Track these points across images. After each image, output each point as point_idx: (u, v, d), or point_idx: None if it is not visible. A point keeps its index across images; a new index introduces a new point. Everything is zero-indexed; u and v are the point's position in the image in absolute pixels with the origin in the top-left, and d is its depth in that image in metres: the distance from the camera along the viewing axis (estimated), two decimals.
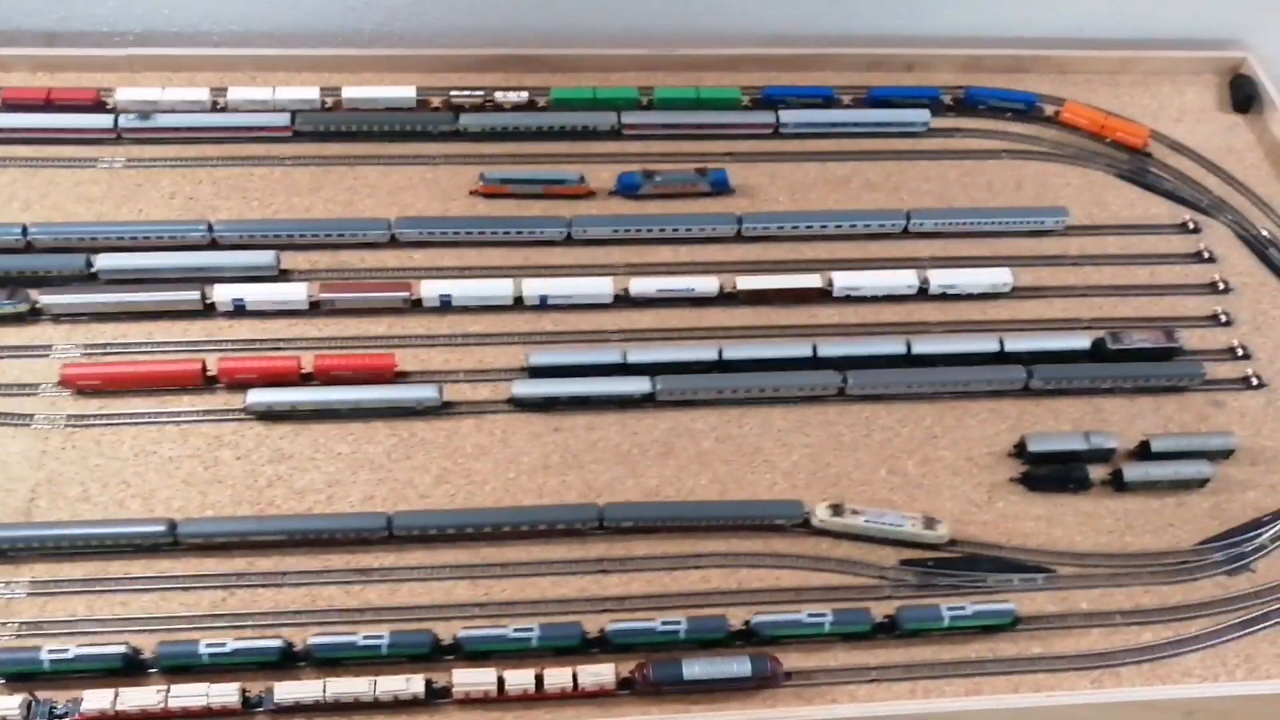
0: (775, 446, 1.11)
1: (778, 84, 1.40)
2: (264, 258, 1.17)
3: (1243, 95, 1.46)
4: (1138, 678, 0.97)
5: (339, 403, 1.08)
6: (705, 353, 1.14)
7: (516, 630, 0.94)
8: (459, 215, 1.26)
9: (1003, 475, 1.09)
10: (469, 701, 0.92)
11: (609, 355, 1.12)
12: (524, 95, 1.35)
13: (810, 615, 0.95)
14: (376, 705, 0.91)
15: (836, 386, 1.13)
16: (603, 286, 1.18)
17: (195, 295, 1.13)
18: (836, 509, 1.03)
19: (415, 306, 1.18)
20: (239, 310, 1.14)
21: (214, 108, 1.31)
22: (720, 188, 1.29)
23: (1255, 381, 1.19)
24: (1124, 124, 1.39)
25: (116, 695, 0.90)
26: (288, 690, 0.91)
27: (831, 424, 1.13)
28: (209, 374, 1.10)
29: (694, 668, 0.93)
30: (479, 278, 1.20)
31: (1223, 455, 1.12)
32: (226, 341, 1.14)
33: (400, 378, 1.12)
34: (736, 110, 1.36)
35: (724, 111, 1.36)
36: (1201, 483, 1.10)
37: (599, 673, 0.92)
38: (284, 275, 1.19)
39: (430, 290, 1.16)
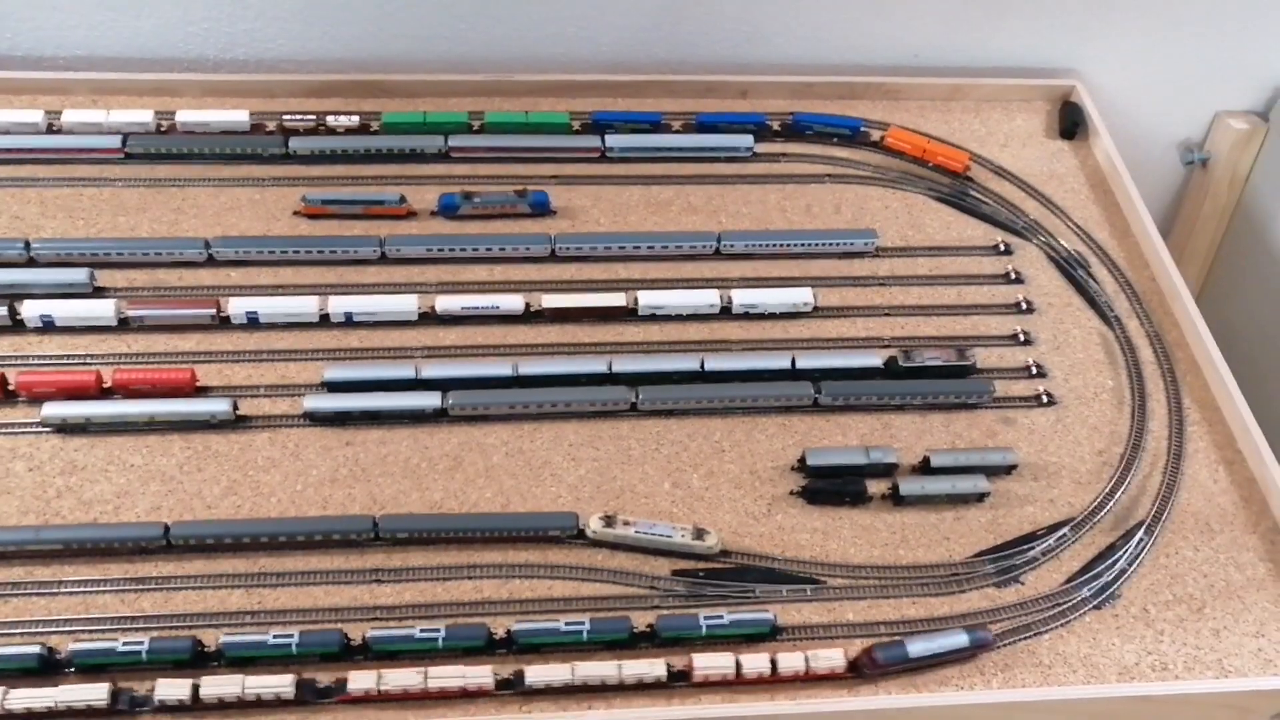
0: (564, 460, 1.18)
1: (609, 109, 1.51)
2: (77, 275, 1.25)
3: (1069, 122, 1.58)
4: (895, 687, 1.03)
5: (133, 416, 1.15)
6: (500, 368, 1.21)
7: (277, 636, 1.00)
8: (277, 235, 1.35)
9: (784, 489, 1.17)
10: (231, 706, 0.96)
11: (403, 371, 1.20)
12: (355, 119, 1.45)
13: (567, 624, 1.02)
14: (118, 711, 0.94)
15: (629, 402, 1.21)
16: (407, 304, 1.27)
17: (2, 311, 1.21)
18: (608, 520, 1.10)
19: (224, 324, 1.26)
20: (48, 326, 1.23)
21: (49, 129, 1.41)
22: (541, 209, 1.39)
23: (1046, 399, 1.27)
24: (945, 149, 1.50)
25: None
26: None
27: (623, 438, 1.21)
28: (9, 388, 1.17)
29: (917, 645, 1.02)
30: (288, 295, 1.28)
31: (1005, 471, 1.19)
32: (33, 357, 1.22)
33: (201, 392, 1.20)
34: (564, 134, 1.46)
35: (551, 135, 1.46)
36: (980, 497, 1.17)
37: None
38: (99, 293, 1.27)
39: (237, 307, 1.24)
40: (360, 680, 0.97)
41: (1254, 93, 1.67)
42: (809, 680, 1.02)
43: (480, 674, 0.99)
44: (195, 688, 0.96)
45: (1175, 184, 1.82)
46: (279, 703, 0.98)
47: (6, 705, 0.96)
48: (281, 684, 0.97)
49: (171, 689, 0.97)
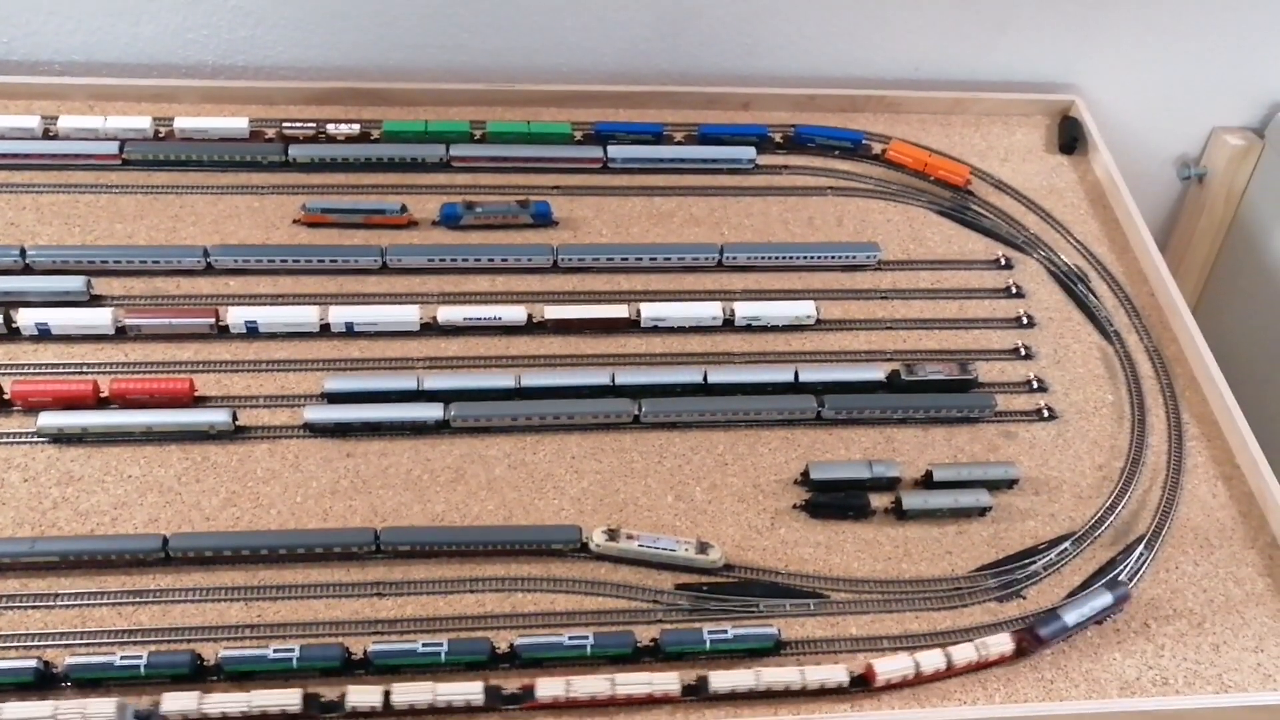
0: (566, 473, 1.19)
1: (612, 120, 1.53)
2: (74, 283, 1.25)
3: (1069, 137, 1.61)
4: (897, 701, 1.05)
5: (131, 426, 1.16)
6: (502, 380, 1.23)
7: (277, 651, 1.00)
8: (277, 243, 1.35)
9: (787, 502, 1.19)
10: None
11: (405, 382, 1.21)
12: (356, 127, 1.46)
13: (571, 638, 1.03)
14: None
15: (631, 414, 1.23)
16: (408, 314, 1.27)
17: None
18: (612, 534, 1.11)
19: (223, 333, 1.26)
20: (44, 335, 1.23)
21: (45, 135, 1.41)
22: (543, 219, 1.40)
23: (1047, 413, 1.29)
24: (946, 163, 1.53)
25: None
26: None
27: (625, 451, 1.22)
28: (4, 397, 1.17)
29: (1072, 614, 1.06)
30: (289, 305, 1.28)
31: (1006, 485, 1.22)
32: (29, 365, 1.22)
33: (199, 402, 1.21)
34: (566, 145, 1.48)
35: (554, 146, 1.48)
36: (982, 511, 1.19)
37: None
38: (96, 301, 1.28)
39: (236, 316, 1.25)
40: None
41: (1250, 109, 1.71)
42: (813, 695, 1.02)
43: (667, 680, 0.98)
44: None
45: (1172, 199, 1.86)
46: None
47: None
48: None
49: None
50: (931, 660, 1.04)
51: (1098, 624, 1.09)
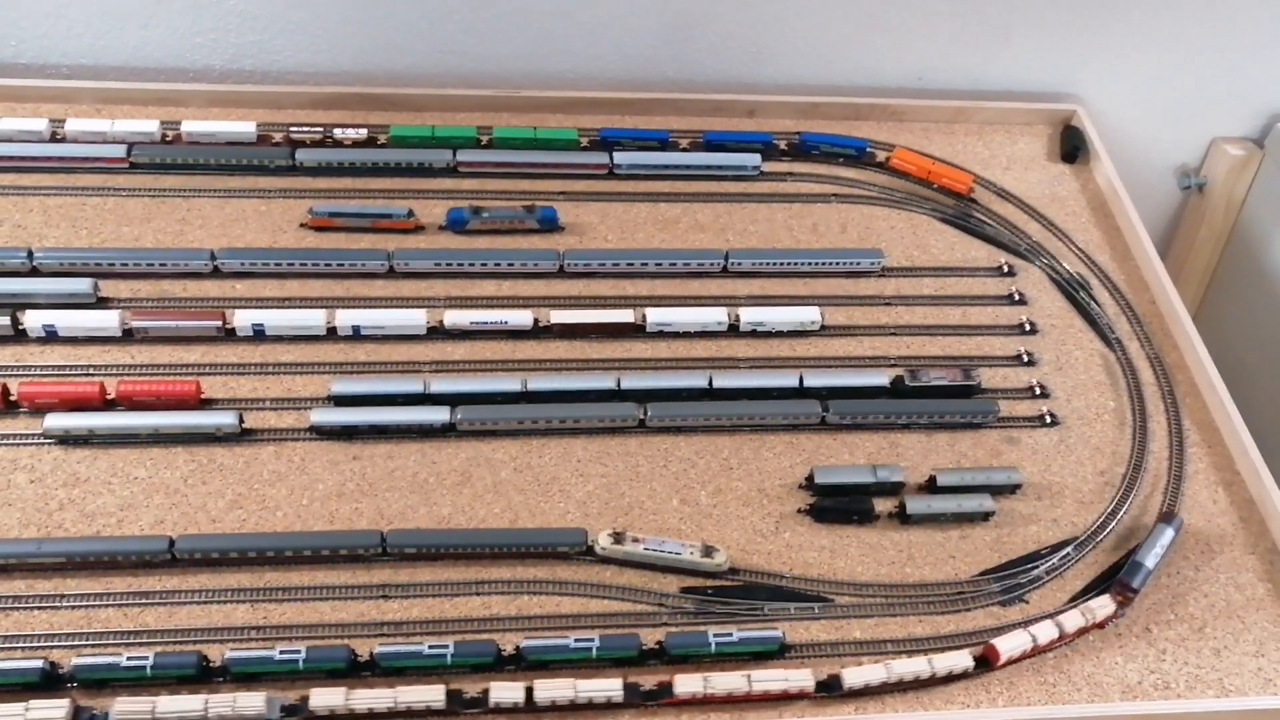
0: (572, 476, 1.21)
1: (618, 126, 1.55)
2: (81, 285, 1.27)
3: (1071, 146, 1.64)
4: (901, 705, 1.06)
5: (137, 428, 1.18)
6: (509, 384, 1.24)
7: (283, 652, 1.01)
8: (283, 247, 1.37)
9: (792, 506, 1.21)
10: None
11: (412, 385, 1.23)
12: (363, 132, 1.48)
13: (577, 640, 1.04)
14: None
15: (637, 418, 1.24)
16: (415, 318, 1.29)
17: (5, 320, 1.22)
18: (617, 537, 1.13)
19: (230, 336, 1.28)
20: (51, 336, 1.24)
21: (53, 138, 1.43)
22: (549, 225, 1.42)
23: (1049, 419, 1.31)
24: (950, 170, 1.55)
25: None
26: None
27: (631, 455, 1.24)
28: (11, 398, 1.19)
29: (1148, 556, 1.12)
30: (296, 308, 1.30)
31: (1009, 490, 1.24)
32: (35, 367, 1.24)
33: (205, 405, 1.22)
34: (572, 150, 1.50)
35: (559, 151, 1.50)
36: (985, 516, 1.21)
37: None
38: (103, 303, 1.30)
39: (243, 319, 1.27)
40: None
41: (1250, 119, 1.74)
42: (817, 699, 1.04)
43: (801, 677, 1.02)
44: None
45: (1172, 208, 1.89)
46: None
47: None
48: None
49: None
50: (1046, 632, 1.09)
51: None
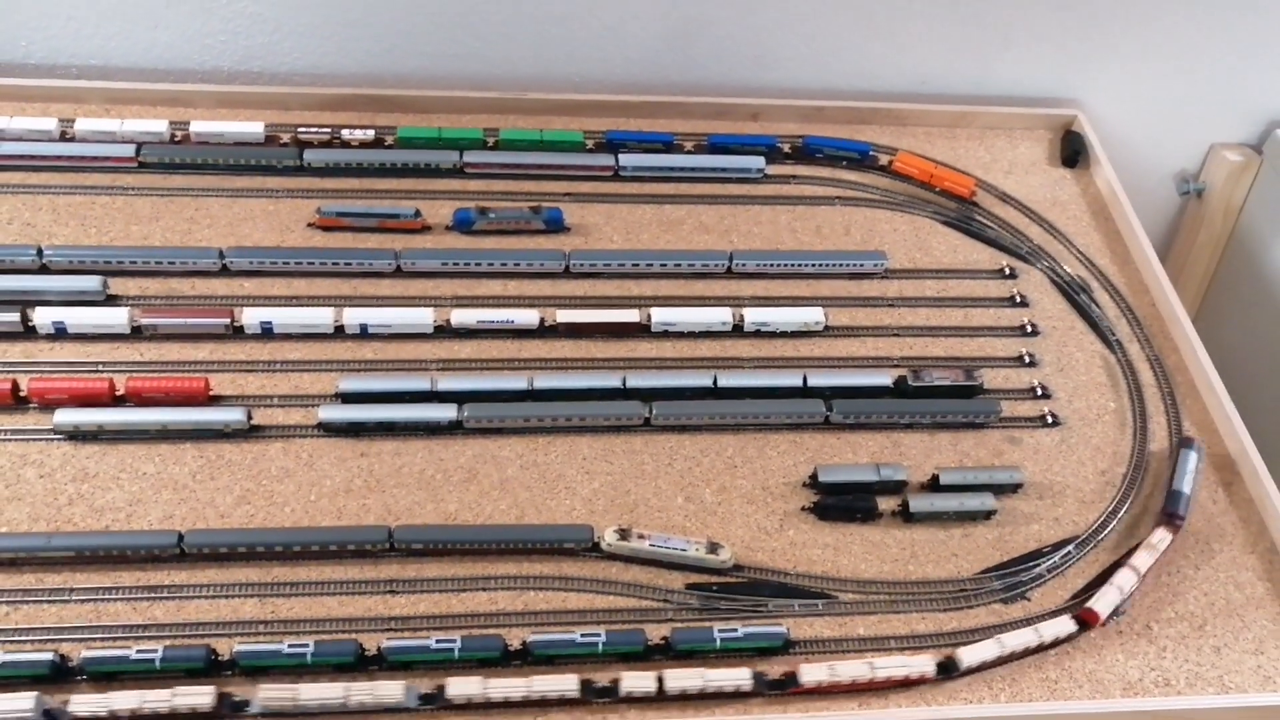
0: (578, 474, 1.23)
1: (623, 129, 1.58)
2: (90, 283, 1.29)
3: (1071, 150, 1.67)
4: (904, 700, 1.08)
5: (146, 424, 1.19)
6: (515, 382, 1.26)
7: (292, 646, 1.03)
8: (291, 246, 1.39)
9: (796, 504, 1.23)
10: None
11: (419, 383, 1.25)
12: (370, 133, 1.51)
13: (584, 635, 1.06)
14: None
15: (642, 417, 1.26)
16: (422, 317, 1.32)
17: (15, 317, 1.25)
18: (623, 533, 1.15)
19: (238, 333, 1.30)
20: (60, 333, 1.27)
21: (62, 137, 1.45)
22: (554, 225, 1.45)
23: (1051, 420, 1.34)
24: (952, 174, 1.58)
25: None
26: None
27: (636, 453, 1.26)
28: (21, 394, 1.21)
29: (1184, 483, 1.19)
30: (303, 306, 1.32)
31: (1011, 489, 1.26)
32: (45, 363, 1.26)
33: (214, 401, 1.24)
34: (578, 152, 1.53)
35: (565, 153, 1.52)
36: (987, 515, 1.23)
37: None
38: (112, 301, 1.32)
39: (252, 317, 1.29)
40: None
41: (1248, 126, 1.77)
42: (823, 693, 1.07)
43: (922, 662, 1.03)
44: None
45: (1171, 213, 1.92)
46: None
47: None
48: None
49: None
50: (1127, 580, 1.13)
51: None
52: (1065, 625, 1.12)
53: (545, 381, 1.26)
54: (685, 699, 1.04)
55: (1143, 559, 1.20)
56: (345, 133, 1.49)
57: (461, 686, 1.02)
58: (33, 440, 1.18)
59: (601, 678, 1.04)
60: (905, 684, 1.07)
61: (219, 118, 1.50)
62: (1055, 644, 1.11)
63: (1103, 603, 1.16)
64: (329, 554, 1.12)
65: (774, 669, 1.07)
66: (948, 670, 1.08)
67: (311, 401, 1.24)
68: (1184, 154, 1.81)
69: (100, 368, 1.26)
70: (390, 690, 1.00)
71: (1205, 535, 1.24)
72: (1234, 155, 1.77)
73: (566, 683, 1.02)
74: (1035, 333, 1.42)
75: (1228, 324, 1.90)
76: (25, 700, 0.97)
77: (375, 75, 1.59)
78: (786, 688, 1.06)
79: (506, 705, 1.02)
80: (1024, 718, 1.09)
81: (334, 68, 1.58)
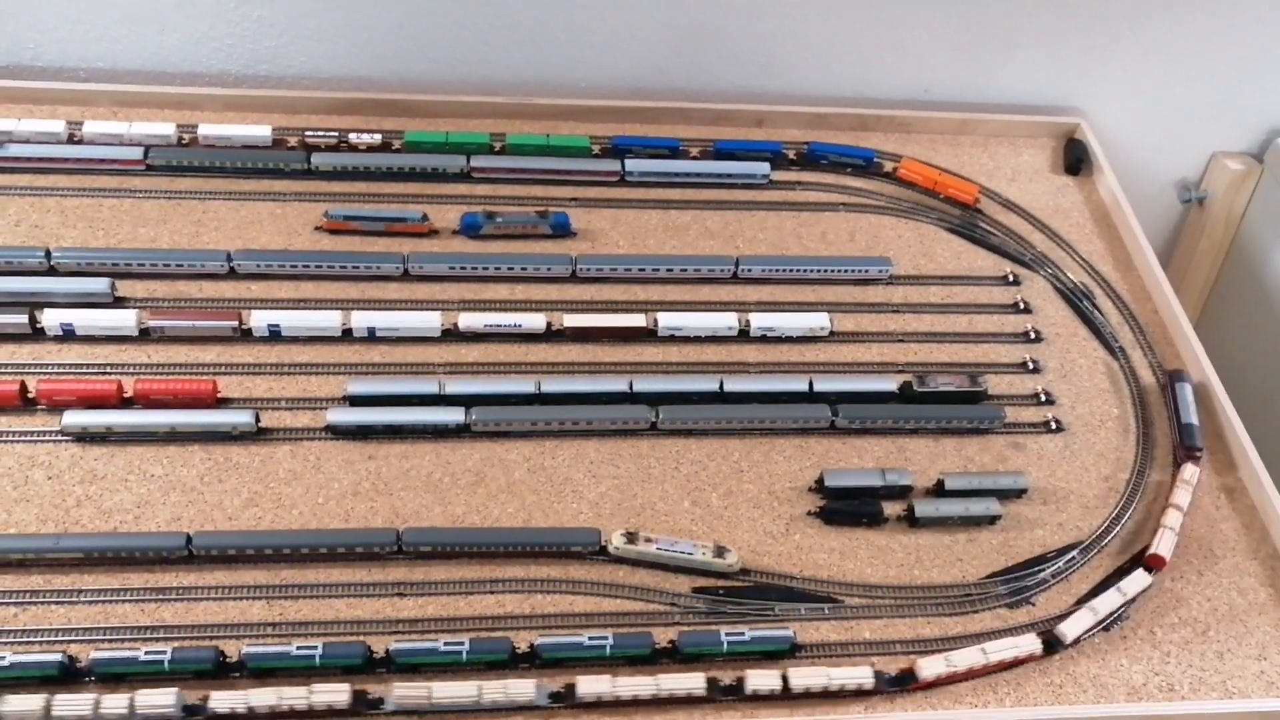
0: (585, 477, 1.24)
1: (629, 134, 1.60)
2: (98, 285, 1.30)
3: (1074, 158, 1.69)
4: (910, 705, 1.09)
5: (155, 426, 1.20)
6: (523, 386, 1.28)
7: (300, 648, 1.04)
8: (299, 249, 1.41)
9: (802, 509, 1.24)
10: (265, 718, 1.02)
11: (427, 386, 1.26)
12: (378, 137, 1.52)
13: (591, 638, 1.07)
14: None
15: (649, 421, 1.28)
16: (430, 320, 1.33)
17: (23, 319, 1.25)
18: (631, 537, 1.16)
19: (246, 336, 1.31)
20: (68, 335, 1.28)
21: (70, 140, 1.47)
22: (561, 230, 1.46)
23: (1055, 425, 1.35)
24: (956, 181, 1.60)
25: None
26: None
27: (643, 457, 1.27)
28: (29, 395, 1.22)
29: (1187, 414, 1.26)
30: (311, 309, 1.33)
31: (1016, 494, 1.27)
32: (53, 365, 1.27)
33: (222, 404, 1.25)
34: (584, 157, 1.54)
35: (572, 158, 1.54)
36: (992, 520, 1.25)
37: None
38: (120, 303, 1.33)
39: (259, 320, 1.30)
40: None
41: (1250, 135, 1.79)
42: (827, 697, 1.08)
43: (1029, 641, 1.07)
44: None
45: (1173, 221, 1.94)
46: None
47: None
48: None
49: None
50: (1174, 519, 1.20)
51: None
52: (1141, 580, 1.17)
53: (552, 385, 1.27)
54: (810, 697, 1.05)
55: (1182, 496, 1.26)
56: (352, 136, 1.50)
57: (592, 685, 1.03)
58: (41, 442, 1.19)
59: (725, 677, 1.05)
60: (1016, 664, 1.11)
61: (226, 121, 1.52)
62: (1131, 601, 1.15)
63: (1164, 545, 1.20)
64: (337, 556, 1.13)
65: (891, 667, 1.08)
66: (1051, 648, 1.12)
67: (319, 404, 1.25)
68: (1185, 162, 1.82)
69: (108, 370, 1.26)
70: (522, 689, 1.03)
71: (1208, 541, 1.26)
72: (1235, 164, 1.79)
73: (694, 681, 1.04)
74: (1039, 339, 1.44)
75: (1228, 332, 1.92)
76: (167, 696, 0.99)
77: (382, 79, 1.60)
78: (907, 684, 1.07)
79: (635, 704, 1.03)
80: None
81: (341, 72, 1.59)
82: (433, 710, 1.02)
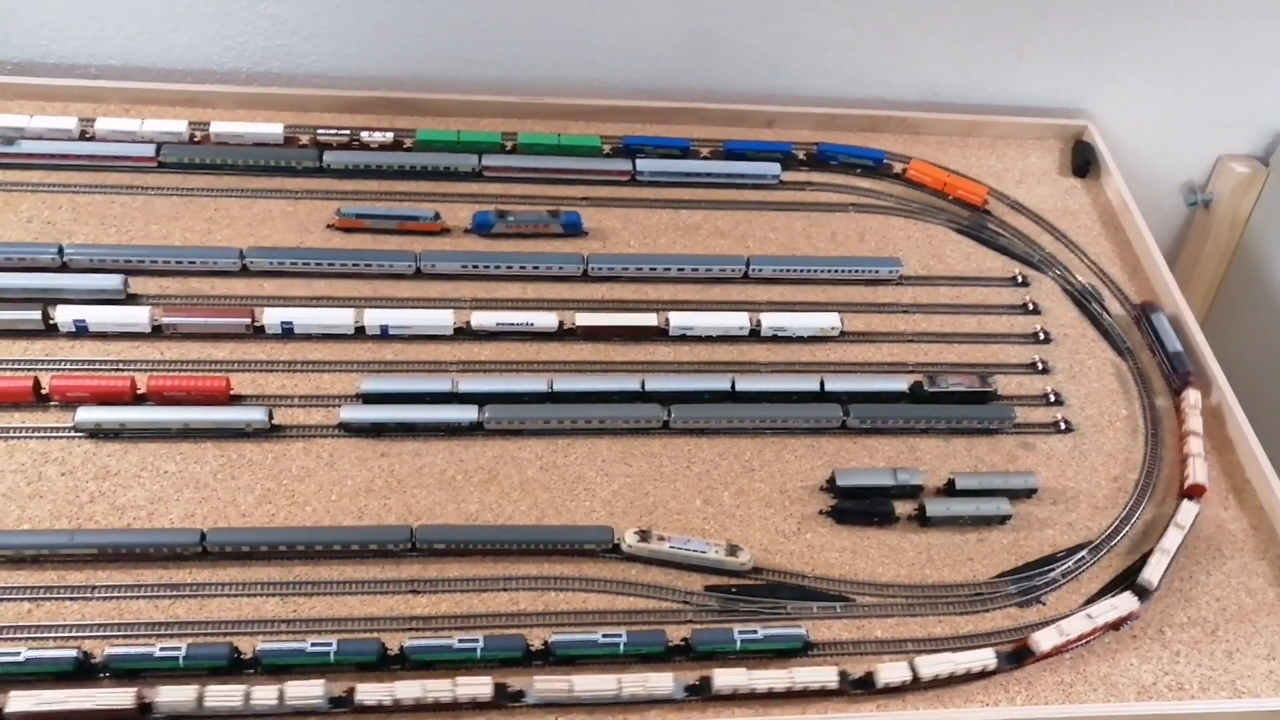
0: (597, 476, 1.24)
1: (640, 134, 1.60)
2: (111, 281, 1.31)
3: (1082, 160, 1.69)
4: (922, 703, 1.09)
5: (168, 422, 1.21)
6: (535, 384, 1.28)
7: (314, 645, 1.04)
8: (311, 247, 1.41)
9: (813, 508, 1.24)
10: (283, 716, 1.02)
11: (440, 384, 1.26)
12: (389, 135, 1.52)
13: (605, 636, 1.07)
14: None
15: (660, 420, 1.28)
16: (443, 318, 1.33)
17: (36, 315, 1.25)
18: (644, 535, 1.16)
19: (259, 333, 1.31)
20: (81, 331, 1.28)
21: (82, 136, 1.47)
22: (573, 229, 1.46)
23: (1064, 426, 1.36)
24: (965, 183, 1.60)
25: None
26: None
27: (655, 455, 1.27)
28: (42, 391, 1.22)
29: (1172, 344, 1.33)
30: (324, 307, 1.34)
31: (1026, 494, 1.28)
32: (66, 361, 1.27)
33: (235, 401, 1.25)
34: (595, 157, 1.55)
35: (583, 158, 1.54)
36: (1002, 519, 1.25)
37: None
38: (133, 299, 1.33)
39: (272, 317, 1.30)
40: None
41: (1256, 138, 1.80)
42: (835, 695, 1.09)
43: (1126, 601, 1.11)
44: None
45: (1179, 223, 1.94)
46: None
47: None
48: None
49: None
50: (1196, 445, 1.27)
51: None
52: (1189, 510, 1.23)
53: (565, 384, 1.28)
54: (937, 684, 1.06)
55: (1194, 421, 1.32)
56: (364, 135, 1.50)
57: (728, 678, 1.05)
58: (54, 438, 1.19)
59: (855, 669, 1.07)
60: (1111, 627, 1.14)
61: (239, 118, 1.52)
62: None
63: (1199, 473, 1.26)
64: (351, 553, 1.13)
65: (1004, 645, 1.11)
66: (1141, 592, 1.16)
67: (332, 402, 1.26)
68: (1192, 165, 1.83)
69: (121, 366, 1.26)
70: (661, 682, 1.06)
71: (1217, 541, 1.26)
72: (1241, 167, 1.80)
73: (826, 674, 1.05)
74: (1048, 340, 1.45)
75: (1234, 333, 1.92)
76: (314, 688, 1.00)
77: (394, 78, 1.60)
78: (1024, 659, 1.08)
79: (770, 696, 1.05)
80: None
81: (353, 70, 1.60)
82: (573, 703, 1.03)
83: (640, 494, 1.22)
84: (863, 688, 1.08)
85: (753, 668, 1.07)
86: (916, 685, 1.07)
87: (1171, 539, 1.21)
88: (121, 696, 0.97)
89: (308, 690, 1.00)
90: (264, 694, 1.00)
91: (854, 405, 1.30)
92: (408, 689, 1.01)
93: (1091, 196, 1.66)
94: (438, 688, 1.02)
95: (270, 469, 1.19)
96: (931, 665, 1.08)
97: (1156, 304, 1.43)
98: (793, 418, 1.29)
